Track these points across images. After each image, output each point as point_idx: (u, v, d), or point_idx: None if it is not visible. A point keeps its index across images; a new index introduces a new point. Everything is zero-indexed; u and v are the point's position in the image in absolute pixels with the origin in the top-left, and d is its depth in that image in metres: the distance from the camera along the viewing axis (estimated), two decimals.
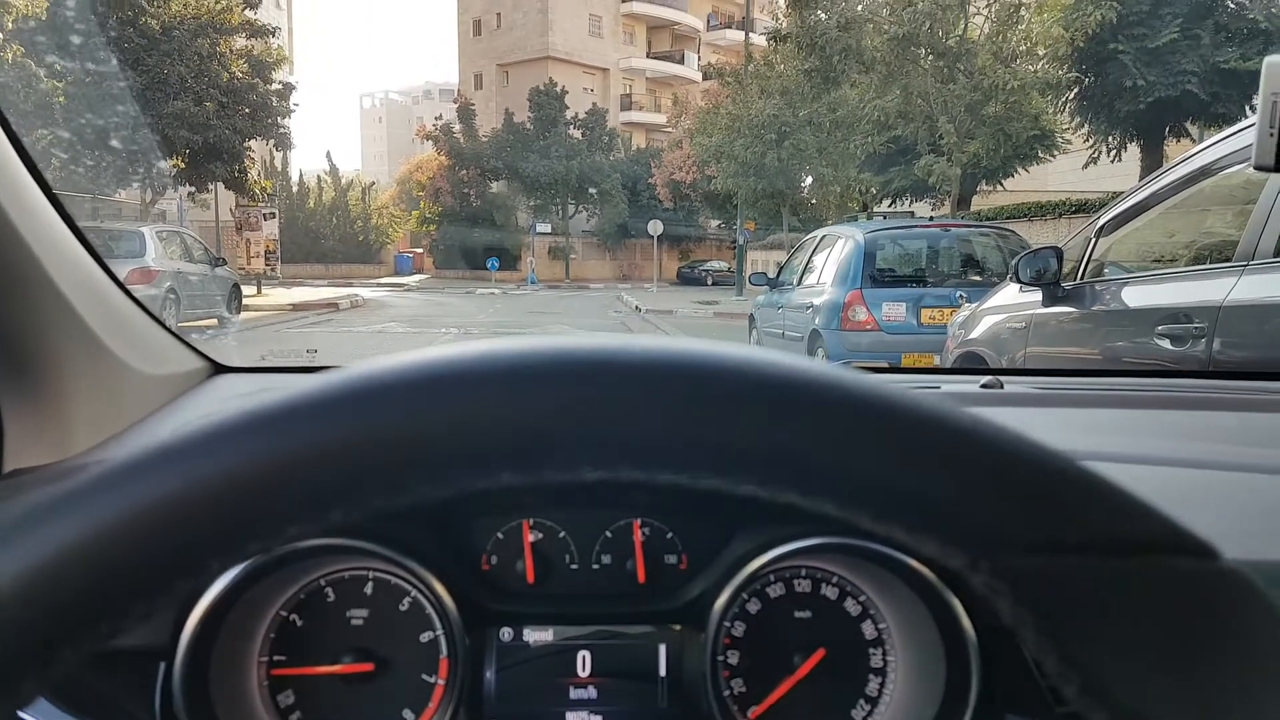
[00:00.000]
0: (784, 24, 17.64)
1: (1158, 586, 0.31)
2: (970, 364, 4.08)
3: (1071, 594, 0.31)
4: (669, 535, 0.83)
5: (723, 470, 0.31)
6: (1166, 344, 2.72)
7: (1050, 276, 3.46)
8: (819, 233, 8.38)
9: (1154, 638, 0.31)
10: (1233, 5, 16.91)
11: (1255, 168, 0.61)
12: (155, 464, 0.31)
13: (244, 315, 13.92)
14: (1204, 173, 2.95)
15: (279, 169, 31.56)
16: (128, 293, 1.10)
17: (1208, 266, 3.06)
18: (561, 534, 0.83)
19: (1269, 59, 0.61)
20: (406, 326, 14.10)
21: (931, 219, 10.62)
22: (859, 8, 15.96)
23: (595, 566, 0.83)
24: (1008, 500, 0.31)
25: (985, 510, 0.31)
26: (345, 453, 0.30)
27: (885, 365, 5.22)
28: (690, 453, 0.31)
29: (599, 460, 0.31)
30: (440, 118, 36.79)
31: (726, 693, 0.79)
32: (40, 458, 0.91)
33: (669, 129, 36.02)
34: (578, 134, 35.09)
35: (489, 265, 31.39)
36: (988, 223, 10.82)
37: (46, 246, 0.88)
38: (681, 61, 46.99)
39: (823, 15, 16.13)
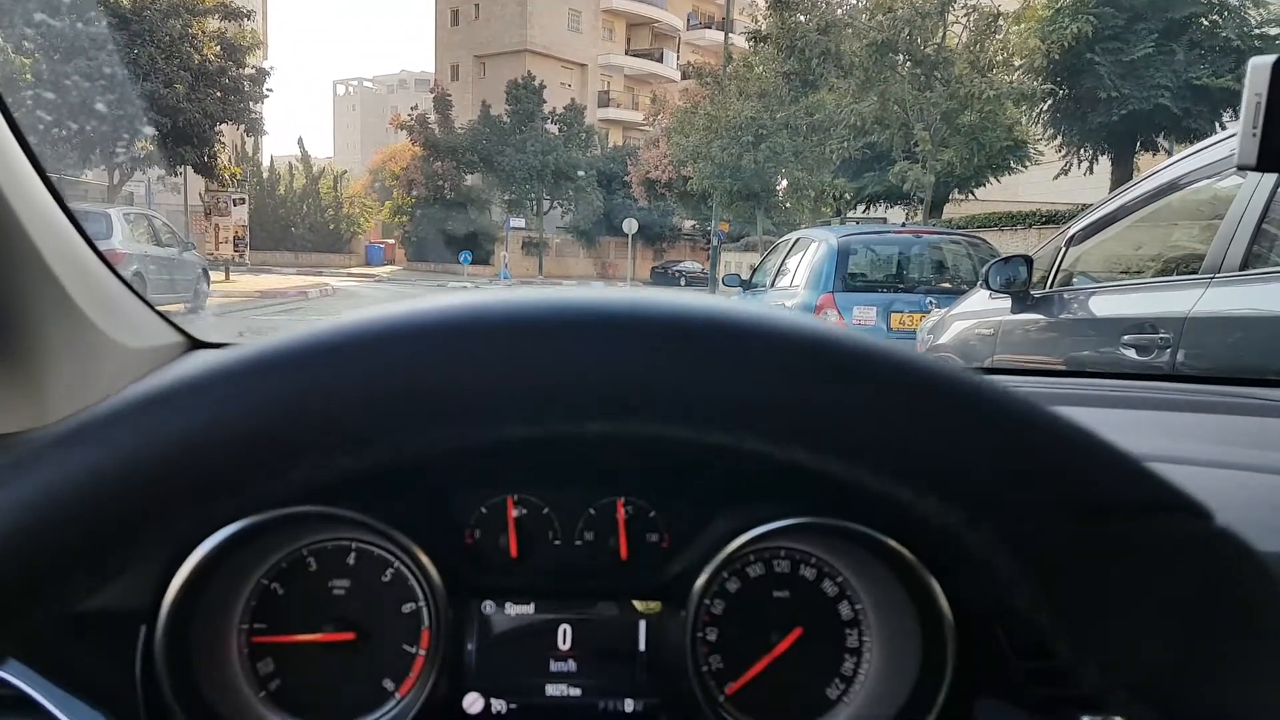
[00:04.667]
0: (764, 25, 17.74)
1: (1154, 545, 0.32)
2: None
3: (1069, 552, 0.32)
4: (651, 514, 0.84)
5: (732, 425, 0.31)
6: (1132, 353, 2.77)
7: (1020, 284, 3.50)
8: (792, 236, 8.42)
9: (1148, 595, 0.32)
10: (1206, 23, 17.23)
11: (1238, 167, 0.63)
12: (161, 404, 0.30)
13: (212, 301, 13.75)
14: (1172, 187, 3.00)
15: (249, 154, 31.23)
16: (108, 264, 1.09)
17: (1174, 279, 3.11)
18: (545, 510, 0.84)
19: (1253, 60, 0.63)
20: None
21: (904, 225, 10.73)
22: (839, 12, 16.09)
23: (578, 543, 0.84)
24: (1011, 460, 0.31)
25: (989, 470, 0.31)
26: (380, 390, 0.30)
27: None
28: (701, 408, 0.31)
29: (612, 412, 0.31)
30: (416, 108, 36.52)
31: (704, 668, 0.80)
32: (15, 425, 0.90)
33: (646, 127, 36.07)
34: (554, 129, 34.99)
35: (461, 259, 31.21)
36: (959, 230, 10.95)
37: (33, 215, 0.87)
38: (660, 60, 47.05)
39: (803, 18, 16.26)
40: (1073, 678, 0.34)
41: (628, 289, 0.34)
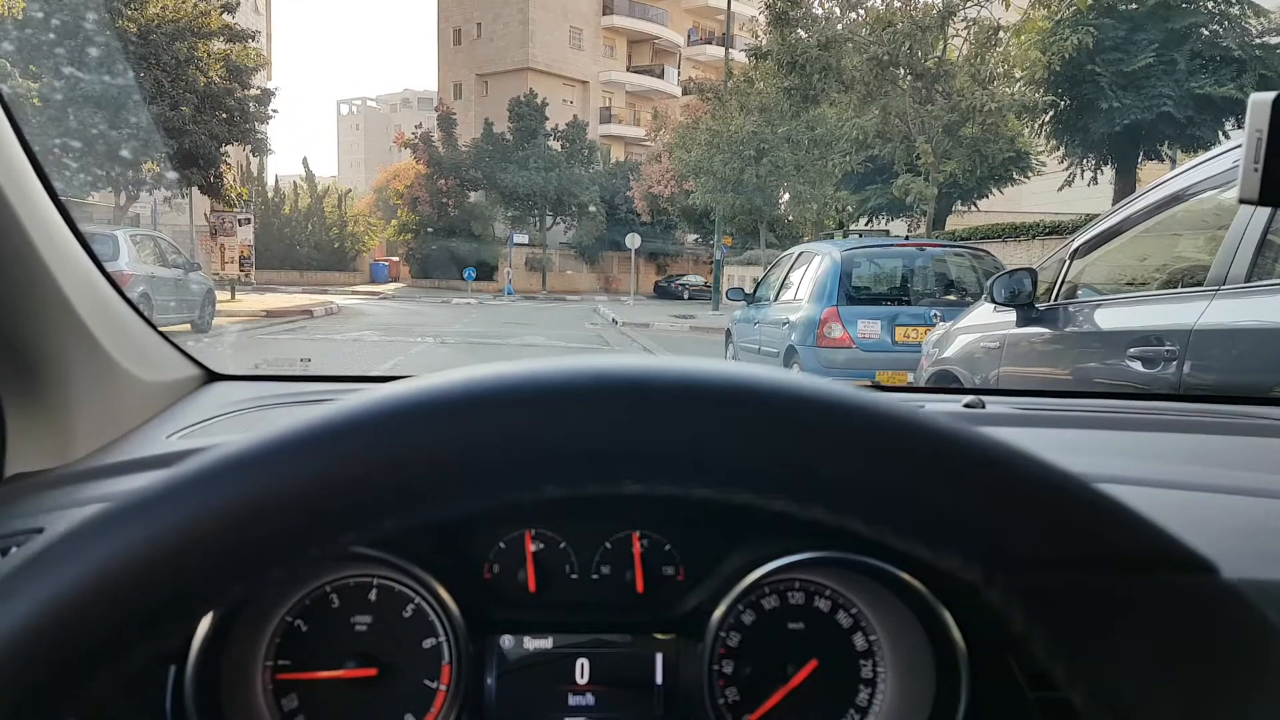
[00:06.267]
0: (764, 41, 17.83)
1: (1161, 600, 0.33)
2: (944, 382, 4.12)
3: (1081, 608, 0.33)
4: (667, 547, 0.85)
5: (757, 487, 0.33)
6: (1138, 366, 2.76)
7: (1025, 297, 3.51)
8: (796, 250, 8.43)
9: (1157, 649, 0.33)
10: (1206, 33, 17.28)
11: (1240, 201, 0.64)
12: (213, 476, 0.31)
13: (218, 321, 13.80)
14: (1177, 198, 3.00)
15: (255, 174, 31.36)
16: (126, 299, 1.11)
17: (1180, 290, 3.11)
18: (562, 544, 0.85)
19: (1253, 96, 0.65)
20: (382, 335, 14.03)
21: (907, 238, 10.75)
22: (839, 27, 16.16)
23: (595, 576, 0.85)
24: (1023, 519, 0.33)
25: (1002, 528, 0.33)
26: (401, 464, 0.31)
27: (868, 384, 5.28)
28: (728, 470, 0.32)
29: (641, 475, 0.33)
30: (420, 126, 36.70)
31: (721, 701, 0.81)
32: (42, 462, 0.91)
33: (648, 143, 36.16)
34: (557, 145, 35.13)
35: (465, 275, 31.26)
36: (963, 243, 10.96)
37: (52, 251, 0.88)
38: (661, 76, 47.23)
39: (803, 34, 16.33)
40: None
41: (655, 357, 0.35)
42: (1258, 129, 0.65)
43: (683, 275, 36.03)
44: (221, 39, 18.25)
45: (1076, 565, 0.33)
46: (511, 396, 0.32)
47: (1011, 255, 12.40)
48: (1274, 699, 0.33)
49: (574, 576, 0.85)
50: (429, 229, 36.02)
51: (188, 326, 12.22)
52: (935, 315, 6.50)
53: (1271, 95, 0.68)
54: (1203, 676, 0.33)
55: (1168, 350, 2.66)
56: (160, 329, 1.20)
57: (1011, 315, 3.63)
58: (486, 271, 34.69)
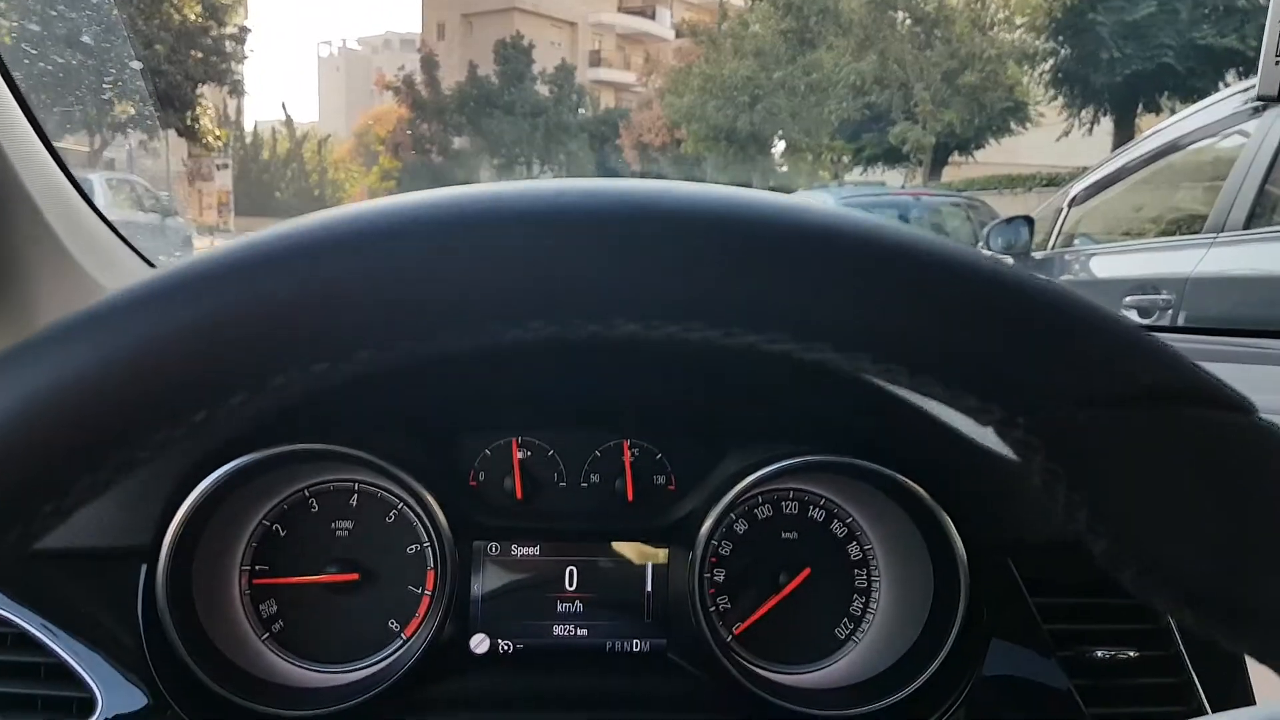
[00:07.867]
0: None
1: (1191, 438, 0.30)
2: None
3: (1105, 446, 0.30)
4: (658, 456, 0.83)
5: (757, 325, 0.30)
6: (1134, 314, 2.76)
7: (1021, 246, 3.50)
8: None
9: (1185, 490, 0.30)
10: None
11: (1259, 96, 0.60)
12: (175, 291, 0.28)
13: None
14: (1174, 146, 2.98)
15: (232, 119, 30.88)
16: (92, 205, 1.09)
17: (1177, 239, 3.10)
18: (550, 452, 0.83)
19: None
20: None
21: (903, 188, 10.70)
22: None
23: (584, 485, 0.83)
24: (1046, 353, 0.30)
25: (1023, 364, 0.30)
26: (376, 289, 0.28)
27: None
28: (723, 304, 0.29)
29: (634, 312, 0.29)
30: (403, 68, 36.04)
31: (712, 609, 0.80)
32: None
33: (639, 89, 35.68)
34: (544, 90, 34.59)
35: None
36: (958, 193, 10.92)
37: (23, 159, 0.87)
38: (653, 18, 46.37)
39: None
40: (1112, 577, 0.31)
41: (651, 183, 0.31)
42: (1279, 19, 0.62)
43: None
44: None
45: (1105, 401, 0.30)
46: (500, 220, 0.29)
47: (1008, 207, 12.29)
48: None
49: (562, 485, 0.83)
50: (412, 175, 35.54)
51: None
52: None
53: None
54: (1232, 517, 0.31)
55: (1164, 298, 2.66)
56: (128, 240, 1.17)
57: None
58: None
